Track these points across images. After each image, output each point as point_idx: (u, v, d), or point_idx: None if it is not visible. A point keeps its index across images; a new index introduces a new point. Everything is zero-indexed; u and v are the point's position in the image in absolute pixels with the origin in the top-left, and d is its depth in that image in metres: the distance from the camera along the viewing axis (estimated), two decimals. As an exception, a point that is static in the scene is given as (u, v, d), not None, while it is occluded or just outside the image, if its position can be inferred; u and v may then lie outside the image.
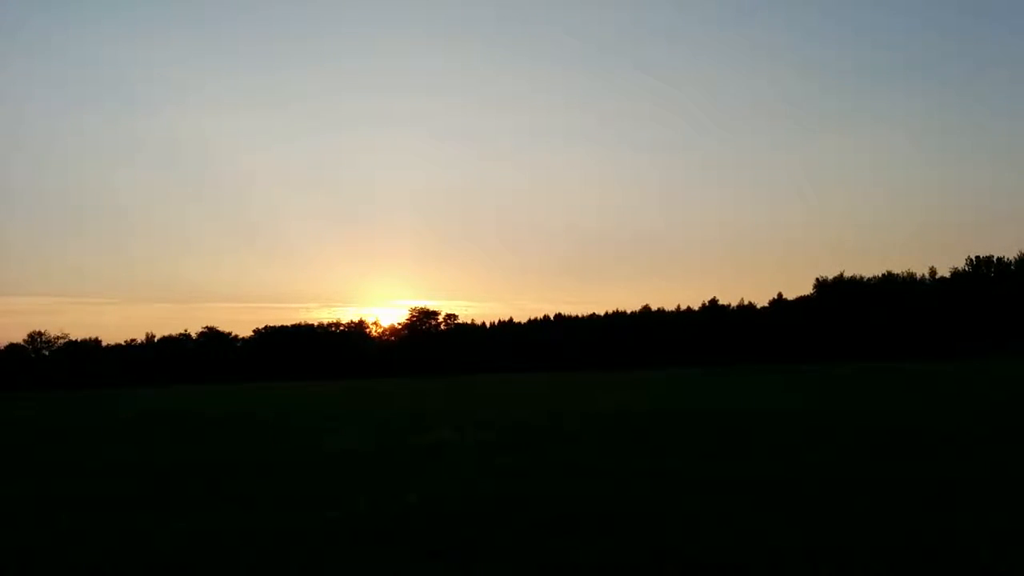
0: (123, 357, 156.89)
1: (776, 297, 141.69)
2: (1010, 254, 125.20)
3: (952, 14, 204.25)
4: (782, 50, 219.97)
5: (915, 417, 21.50)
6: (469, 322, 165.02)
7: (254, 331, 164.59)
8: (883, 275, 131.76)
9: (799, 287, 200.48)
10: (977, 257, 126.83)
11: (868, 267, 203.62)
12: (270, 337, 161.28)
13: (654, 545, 8.11)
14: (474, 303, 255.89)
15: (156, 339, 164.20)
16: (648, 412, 27.07)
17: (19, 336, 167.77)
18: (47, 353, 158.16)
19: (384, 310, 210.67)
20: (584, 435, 19.54)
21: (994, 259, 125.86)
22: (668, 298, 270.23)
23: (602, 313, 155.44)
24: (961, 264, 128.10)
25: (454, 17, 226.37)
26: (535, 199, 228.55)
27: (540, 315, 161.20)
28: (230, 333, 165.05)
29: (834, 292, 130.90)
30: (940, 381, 42.56)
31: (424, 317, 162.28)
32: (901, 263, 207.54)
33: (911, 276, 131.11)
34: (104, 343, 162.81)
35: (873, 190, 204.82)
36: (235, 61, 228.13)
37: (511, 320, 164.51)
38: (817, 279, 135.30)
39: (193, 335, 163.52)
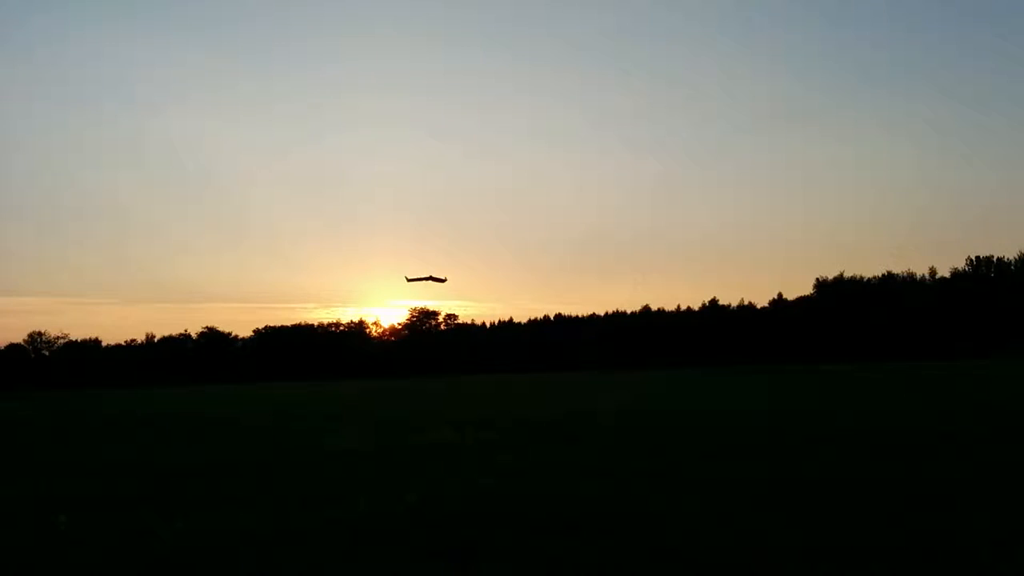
0: (123, 357, 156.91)
1: (776, 297, 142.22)
2: (1010, 254, 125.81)
3: (953, 15, 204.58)
4: (782, 51, 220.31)
5: (915, 417, 21.51)
6: (469, 322, 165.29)
7: (254, 331, 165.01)
8: (883, 275, 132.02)
9: (799, 287, 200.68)
10: (977, 257, 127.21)
11: (868, 267, 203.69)
12: (270, 337, 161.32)
13: (654, 545, 8.10)
14: (474, 303, 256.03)
15: (156, 339, 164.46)
16: (648, 412, 27.07)
17: (19, 336, 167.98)
18: (47, 353, 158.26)
19: (384, 310, 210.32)
20: (584, 435, 19.53)
21: (994, 259, 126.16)
22: (668, 298, 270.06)
23: (602, 313, 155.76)
24: (961, 264, 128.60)
25: (454, 17, 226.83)
26: (535, 199, 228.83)
27: (540, 315, 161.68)
28: (230, 333, 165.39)
29: (834, 292, 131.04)
30: (940, 381, 42.57)
31: (424, 317, 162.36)
32: (901, 263, 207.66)
33: (911, 276, 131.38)
34: (104, 343, 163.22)
35: (873, 190, 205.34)
36: (235, 62, 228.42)
37: (511, 320, 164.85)
38: (817, 279, 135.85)
39: (193, 335, 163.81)
